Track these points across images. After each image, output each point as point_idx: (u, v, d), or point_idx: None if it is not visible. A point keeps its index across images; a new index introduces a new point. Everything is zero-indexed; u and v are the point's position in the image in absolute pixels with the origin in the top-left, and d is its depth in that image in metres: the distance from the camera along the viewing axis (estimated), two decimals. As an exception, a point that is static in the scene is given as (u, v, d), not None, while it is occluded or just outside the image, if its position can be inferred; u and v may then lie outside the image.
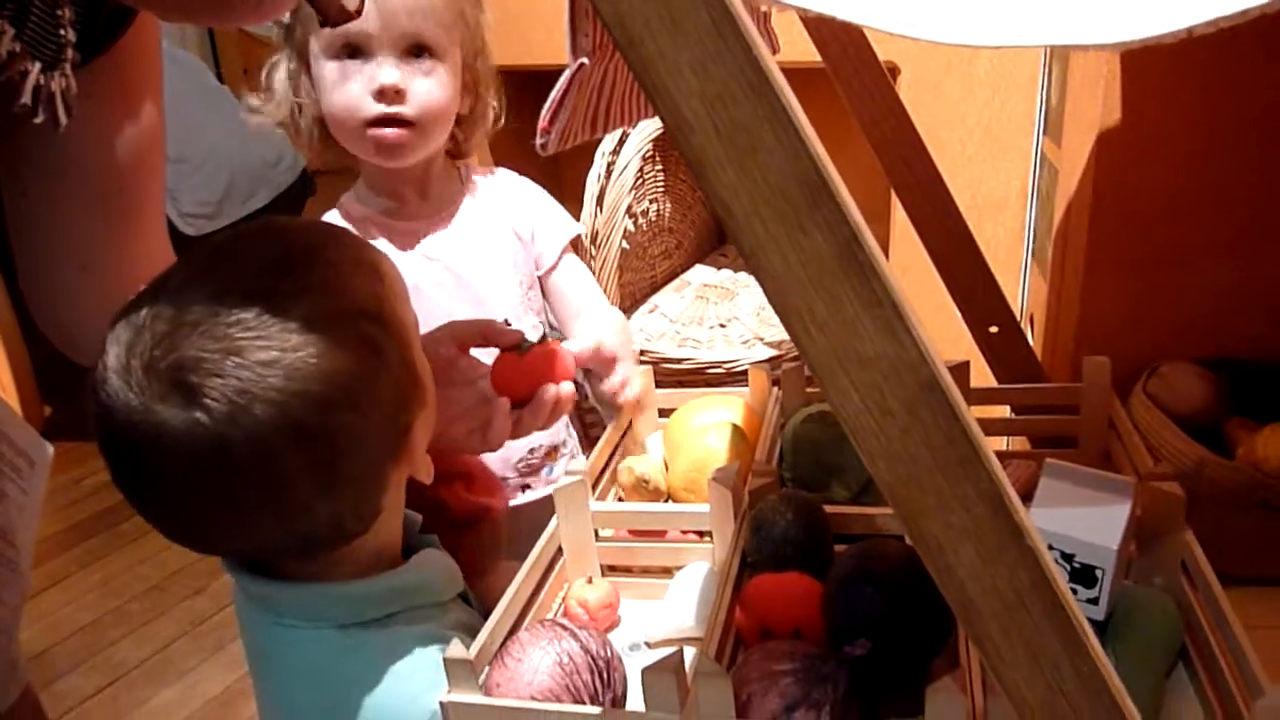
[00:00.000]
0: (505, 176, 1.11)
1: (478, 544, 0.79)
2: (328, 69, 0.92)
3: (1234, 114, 0.88)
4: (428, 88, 0.92)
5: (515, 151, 1.55)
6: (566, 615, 0.73)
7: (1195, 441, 0.76)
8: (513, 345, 0.79)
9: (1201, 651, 0.63)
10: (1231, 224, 0.90)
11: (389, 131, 0.92)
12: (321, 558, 0.64)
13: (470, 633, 0.72)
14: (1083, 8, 0.36)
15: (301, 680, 0.67)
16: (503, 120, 1.06)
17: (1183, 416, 0.82)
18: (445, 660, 0.57)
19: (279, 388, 0.55)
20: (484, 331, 0.81)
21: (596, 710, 0.55)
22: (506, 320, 0.82)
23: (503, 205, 1.08)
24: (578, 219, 1.19)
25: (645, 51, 0.34)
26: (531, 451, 1.09)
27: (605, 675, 0.60)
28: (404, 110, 0.91)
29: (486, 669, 0.63)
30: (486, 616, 0.68)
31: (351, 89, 0.91)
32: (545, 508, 1.12)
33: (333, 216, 1.03)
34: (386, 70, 0.90)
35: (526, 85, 1.56)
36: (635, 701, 0.55)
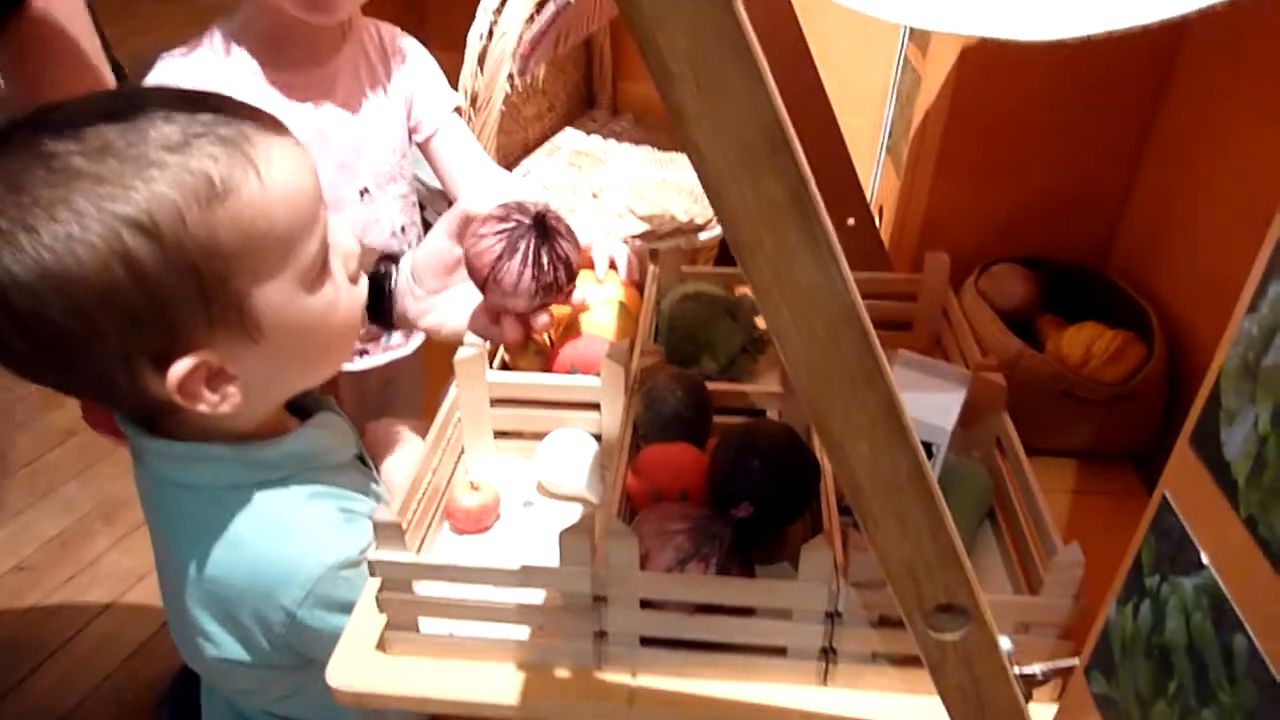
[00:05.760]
0: (390, 34, 1.08)
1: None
2: None
3: (1082, 46, 0.97)
4: None
5: (385, 7, 1.48)
6: (449, 516, 0.78)
7: (1015, 335, 0.89)
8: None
9: (1007, 511, 0.76)
10: (1060, 144, 1.02)
11: None
12: (209, 419, 0.64)
13: (367, 494, 0.76)
14: (997, 1, 0.42)
15: (195, 537, 0.69)
16: None
17: (1005, 311, 0.94)
18: (374, 523, 0.62)
19: (8, 270, 0.54)
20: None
21: (516, 567, 0.62)
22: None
23: (384, 67, 1.06)
24: (447, 67, 1.18)
25: (641, 9, 0.38)
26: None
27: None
28: None
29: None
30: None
31: None
32: (386, 371, 1.15)
33: (218, 55, 0.98)
34: None
35: None
36: (549, 551, 0.62)
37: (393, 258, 0.84)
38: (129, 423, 0.68)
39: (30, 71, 0.74)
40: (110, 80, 0.80)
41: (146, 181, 0.55)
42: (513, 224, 0.78)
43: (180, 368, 0.60)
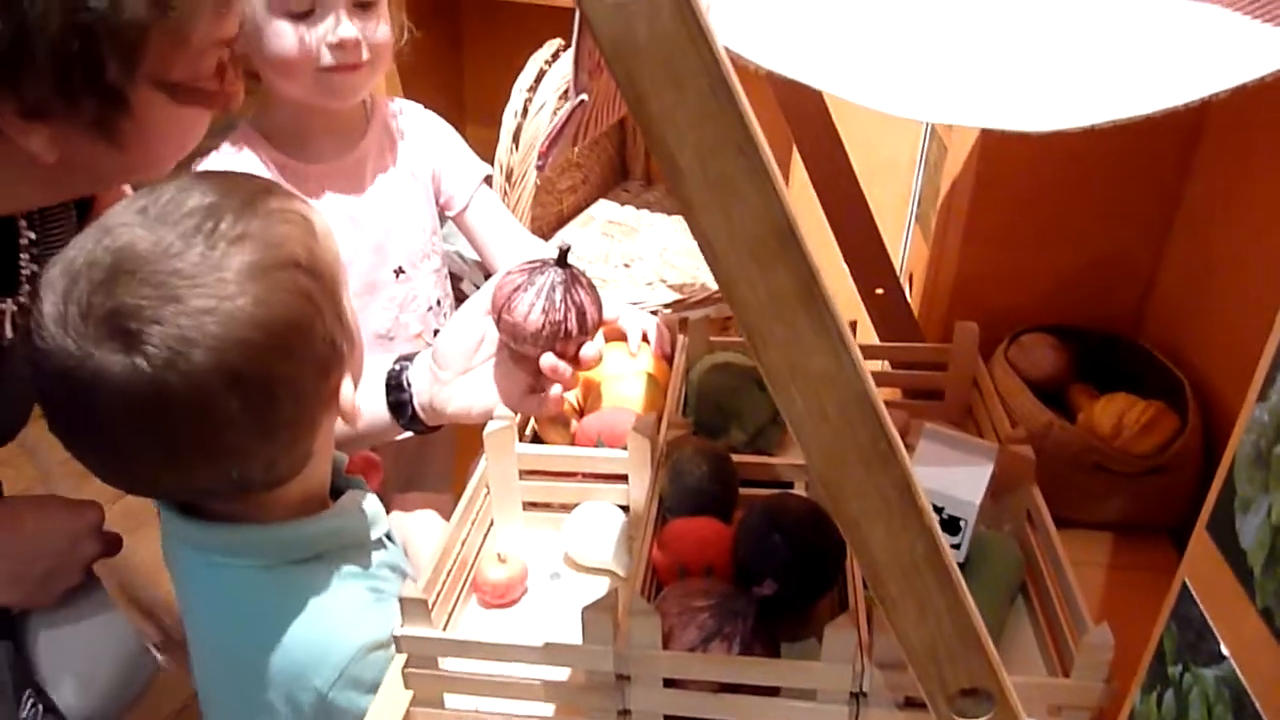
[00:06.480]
0: (413, 113, 1.12)
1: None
2: (276, 25, 0.92)
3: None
4: (376, 29, 0.95)
5: (424, 83, 1.54)
6: (476, 589, 0.79)
7: (1045, 407, 0.89)
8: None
9: (1039, 587, 0.75)
10: (1088, 211, 1.02)
11: (349, 74, 0.94)
12: (251, 500, 0.67)
13: (395, 571, 0.77)
14: (1002, 96, 0.43)
15: (227, 616, 0.70)
16: (405, 36, 1.07)
17: (1035, 381, 0.94)
18: (401, 599, 0.63)
19: (218, 335, 0.57)
20: None
21: (539, 643, 0.63)
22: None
23: (409, 147, 1.09)
24: (484, 141, 1.21)
25: (650, 108, 0.39)
26: None
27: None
28: (362, 57, 0.94)
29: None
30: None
31: (307, 42, 0.93)
32: (414, 444, 1.16)
33: (230, 152, 1.02)
34: (345, 25, 0.92)
35: (447, 14, 1.54)
36: (576, 625, 0.62)
37: (407, 357, 0.87)
38: (165, 506, 0.70)
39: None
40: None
41: (278, 229, 0.62)
42: (538, 263, 0.82)
43: (348, 389, 0.68)
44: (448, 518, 0.76)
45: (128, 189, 0.88)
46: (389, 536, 0.81)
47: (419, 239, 1.08)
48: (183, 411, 0.58)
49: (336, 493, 0.76)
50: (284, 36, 0.92)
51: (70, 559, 0.78)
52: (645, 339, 0.99)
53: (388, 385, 0.86)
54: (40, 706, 0.84)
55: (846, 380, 0.44)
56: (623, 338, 0.97)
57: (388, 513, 0.84)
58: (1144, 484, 0.84)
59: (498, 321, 0.82)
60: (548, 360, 0.81)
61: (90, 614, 0.83)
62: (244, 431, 0.61)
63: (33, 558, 0.77)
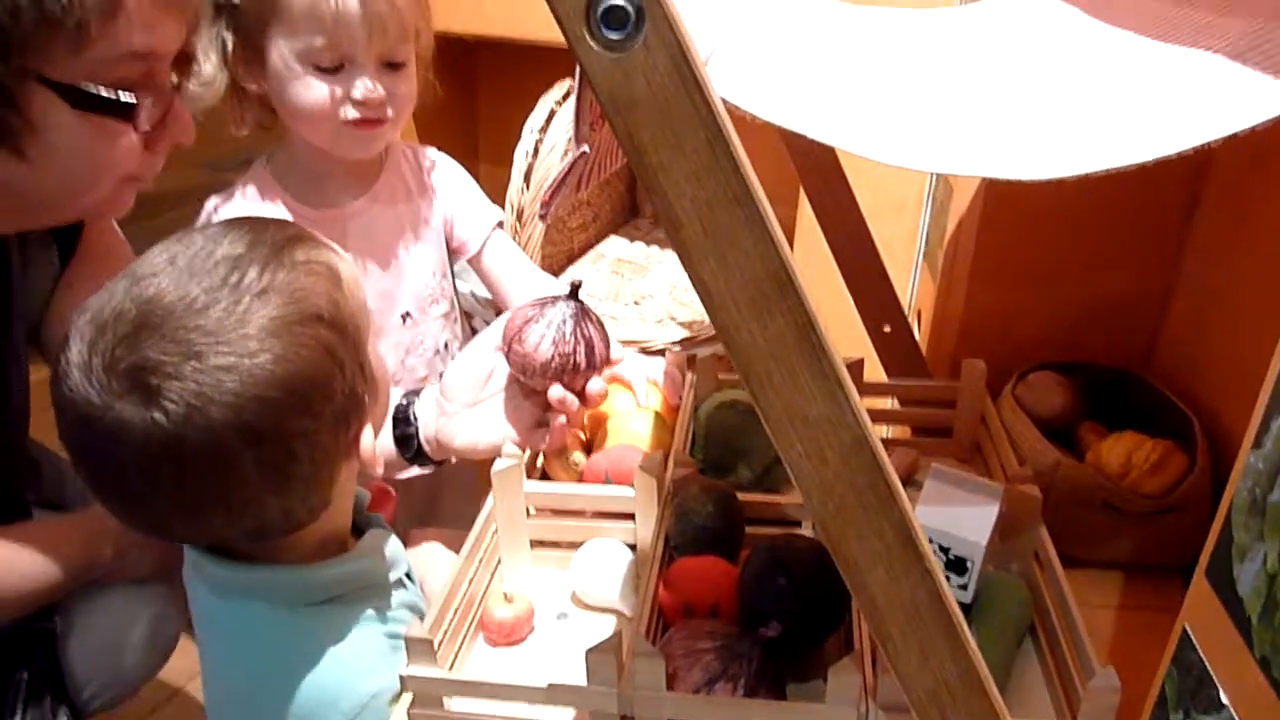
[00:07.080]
0: (430, 157, 1.13)
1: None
2: (304, 77, 0.93)
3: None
4: (402, 88, 0.96)
5: (439, 122, 1.56)
6: (483, 628, 0.79)
7: (1053, 445, 0.88)
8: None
9: (1046, 628, 0.75)
10: (1095, 248, 1.02)
11: (371, 129, 0.96)
12: (270, 543, 0.68)
13: (413, 611, 0.77)
14: (998, 145, 0.44)
15: (246, 656, 0.70)
16: (436, 90, 1.08)
17: (1043, 419, 0.94)
18: (406, 639, 0.63)
19: (236, 392, 0.57)
20: None
21: (543, 685, 0.63)
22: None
23: (422, 192, 1.10)
24: (498, 180, 1.22)
25: (649, 160, 0.40)
26: None
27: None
28: (386, 114, 0.96)
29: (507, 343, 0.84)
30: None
31: (334, 97, 0.94)
32: (430, 481, 1.16)
33: (242, 191, 1.03)
34: (373, 86, 0.94)
35: (462, 56, 1.56)
36: (582, 666, 0.62)
37: (414, 392, 0.88)
38: (190, 544, 0.70)
39: (94, 265, 0.85)
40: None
41: (303, 282, 0.62)
42: (550, 298, 0.85)
43: (368, 439, 0.67)
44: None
45: (119, 233, 0.89)
46: (409, 576, 0.81)
47: (428, 284, 1.09)
48: (200, 465, 0.58)
49: (358, 530, 0.77)
50: (311, 89, 0.93)
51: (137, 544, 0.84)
52: (655, 384, 1.00)
53: (394, 419, 0.86)
54: None
55: (845, 425, 0.44)
56: (630, 386, 0.98)
57: (405, 548, 0.84)
58: (1153, 524, 0.84)
59: (508, 353, 0.83)
60: (555, 392, 0.82)
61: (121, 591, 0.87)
62: (261, 485, 0.61)
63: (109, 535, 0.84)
